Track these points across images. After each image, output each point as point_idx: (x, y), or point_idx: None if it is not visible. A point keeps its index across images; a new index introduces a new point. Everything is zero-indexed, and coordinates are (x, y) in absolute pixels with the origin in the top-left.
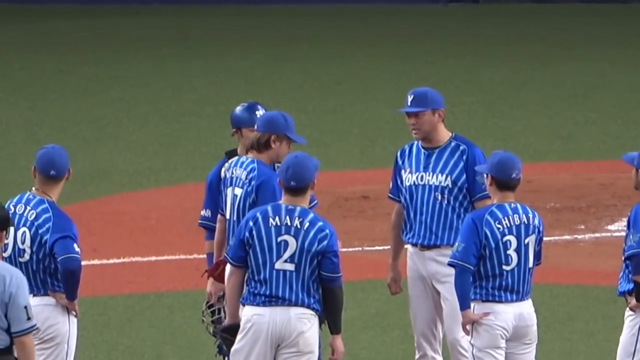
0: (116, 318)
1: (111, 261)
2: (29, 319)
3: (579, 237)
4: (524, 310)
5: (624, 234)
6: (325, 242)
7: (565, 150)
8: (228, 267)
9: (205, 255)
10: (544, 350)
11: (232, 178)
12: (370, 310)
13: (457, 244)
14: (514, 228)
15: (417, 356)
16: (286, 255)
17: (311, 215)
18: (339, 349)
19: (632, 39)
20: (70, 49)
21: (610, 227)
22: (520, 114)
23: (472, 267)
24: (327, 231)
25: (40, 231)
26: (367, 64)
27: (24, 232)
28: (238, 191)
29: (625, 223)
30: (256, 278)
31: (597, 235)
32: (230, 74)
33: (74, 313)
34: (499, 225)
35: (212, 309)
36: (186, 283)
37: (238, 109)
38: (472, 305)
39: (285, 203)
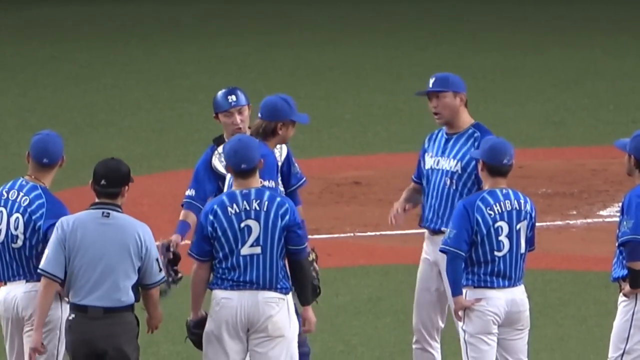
0: None
1: None
2: (160, 270)
3: (571, 222)
4: (516, 296)
5: (616, 219)
6: (287, 217)
7: (557, 136)
8: (194, 263)
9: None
10: (536, 335)
11: None
12: (362, 296)
13: (448, 230)
14: (505, 214)
15: (413, 340)
16: (251, 239)
17: (267, 193)
18: (311, 320)
19: (624, 25)
20: (62, 36)
21: (602, 213)
22: (512, 100)
23: (463, 254)
24: (287, 205)
25: (33, 217)
26: (359, 49)
27: (17, 218)
28: None
29: (617, 209)
30: (224, 265)
31: (589, 220)
32: (223, 60)
33: (66, 299)
34: (490, 212)
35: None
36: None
37: (217, 94)
38: (464, 291)
39: (238, 189)
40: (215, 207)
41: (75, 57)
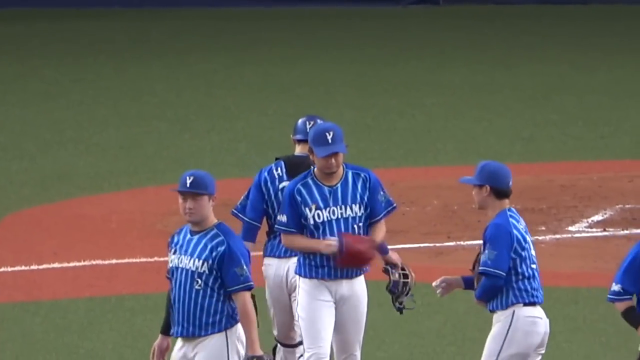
0: (77, 321)
1: (72, 264)
2: None
3: (540, 238)
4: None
5: (585, 235)
6: None
7: (526, 152)
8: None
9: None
10: None
11: None
12: None
13: (488, 251)
14: (525, 228)
15: None
16: None
17: None
18: None
19: (592, 40)
20: (31, 53)
21: (570, 228)
22: (481, 116)
23: (504, 275)
24: None
25: None
26: (328, 66)
27: None
28: None
29: (586, 224)
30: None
31: (558, 236)
32: (191, 77)
33: None
34: (520, 226)
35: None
36: (147, 286)
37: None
38: (512, 310)
39: None
40: None
41: (43, 75)
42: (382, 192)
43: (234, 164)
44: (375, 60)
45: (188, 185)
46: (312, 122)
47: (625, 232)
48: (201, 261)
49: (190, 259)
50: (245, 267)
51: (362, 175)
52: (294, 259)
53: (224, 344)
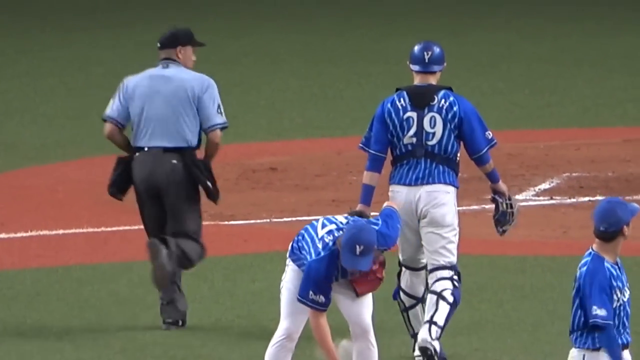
0: (24, 292)
1: (18, 235)
2: None
3: (487, 207)
4: None
5: (532, 203)
6: None
7: None
8: None
9: None
10: (453, 319)
11: None
12: (278, 282)
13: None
14: None
15: None
16: None
17: None
18: None
19: (539, 8)
20: None
21: (517, 197)
22: None
23: None
24: None
25: None
26: (274, 35)
27: None
28: None
29: (533, 192)
30: None
31: None
32: (138, 46)
33: None
34: None
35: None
36: (94, 256)
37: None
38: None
39: None
40: None
41: None
42: None
43: None
44: (321, 30)
45: None
46: (429, 52)
47: (572, 200)
48: None
49: None
50: None
51: None
52: (426, 187)
53: None
